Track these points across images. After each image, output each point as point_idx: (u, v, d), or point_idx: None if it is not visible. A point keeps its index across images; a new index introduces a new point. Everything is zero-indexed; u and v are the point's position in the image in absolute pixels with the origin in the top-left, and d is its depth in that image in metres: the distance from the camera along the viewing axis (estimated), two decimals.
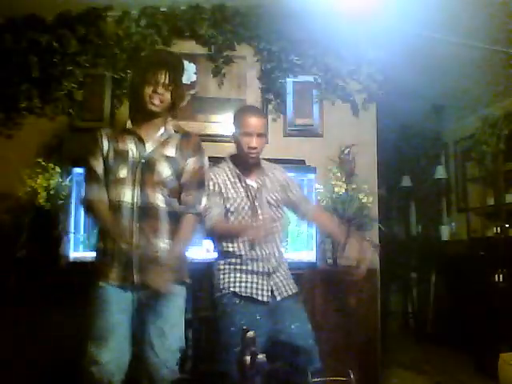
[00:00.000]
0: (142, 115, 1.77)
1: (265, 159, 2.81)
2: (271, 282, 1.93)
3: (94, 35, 2.79)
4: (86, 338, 1.65)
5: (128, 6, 2.82)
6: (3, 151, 2.69)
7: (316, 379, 1.71)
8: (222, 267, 1.97)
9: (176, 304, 1.76)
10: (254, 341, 1.37)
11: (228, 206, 1.94)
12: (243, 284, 1.90)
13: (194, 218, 1.79)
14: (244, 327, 1.59)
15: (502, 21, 2.75)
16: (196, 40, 2.93)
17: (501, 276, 3.17)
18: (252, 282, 1.91)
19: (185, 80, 2.91)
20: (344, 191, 2.67)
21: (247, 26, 2.93)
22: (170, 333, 1.70)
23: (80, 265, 2.41)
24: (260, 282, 1.91)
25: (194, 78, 2.93)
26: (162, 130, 1.79)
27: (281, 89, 2.96)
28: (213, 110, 2.92)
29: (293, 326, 1.87)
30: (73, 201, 2.55)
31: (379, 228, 2.90)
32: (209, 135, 2.88)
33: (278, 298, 1.92)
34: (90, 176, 1.75)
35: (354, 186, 2.71)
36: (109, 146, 1.75)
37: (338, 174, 2.76)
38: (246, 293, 1.89)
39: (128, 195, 1.69)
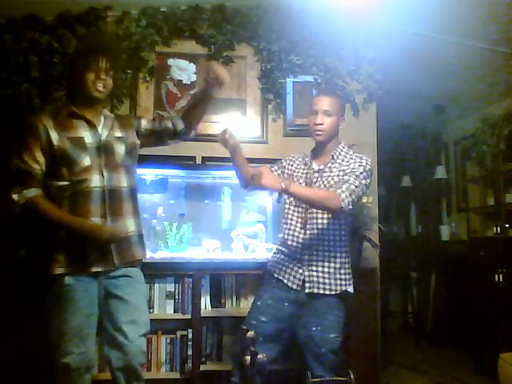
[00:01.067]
0: (86, 101, 1.79)
1: (265, 159, 2.83)
2: (306, 272, 1.88)
3: (94, 35, 2.78)
4: (58, 333, 1.69)
5: (128, 6, 2.82)
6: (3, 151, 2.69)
7: (316, 379, 1.71)
8: (276, 247, 2.05)
9: (139, 289, 1.84)
10: (254, 341, 1.37)
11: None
12: (279, 266, 1.95)
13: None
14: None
15: (502, 21, 2.75)
16: (196, 40, 2.93)
17: (501, 276, 3.16)
18: (287, 267, 1.92)
19: (185, 80, 2.93)
20: None
21: (247, 26, 2.93)
22: (139, 318, 1.78)
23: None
24: (295, 268, 1.91)
25: (193, 78, 2.93)
26: (102, 116, 1.84)
27: (281, 89, 2.96)
28: (213, 110, 2.91)
29: (313, 328, 1.84)
30: None
31: (379, 228, 2.90)
32: (209, 135, 2.88)
33: (307, 291, 1.86)
34: (28, 177, 1.70)
35: None
36: (58, 135, 1.71)
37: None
38: (278, 275, 1.93)
39: (96, 180, 1.72)
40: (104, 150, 1.77)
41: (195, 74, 2.93)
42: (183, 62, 2.91)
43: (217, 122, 2.92)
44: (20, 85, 2.71)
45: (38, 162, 1.70)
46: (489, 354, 2.78)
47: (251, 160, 2.82)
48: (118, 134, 1.84)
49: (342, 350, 1.89)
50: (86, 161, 1.72)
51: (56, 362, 1.68)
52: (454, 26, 2.84)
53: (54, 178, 1.72)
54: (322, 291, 1.86)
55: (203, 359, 2.50)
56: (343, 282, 1.90)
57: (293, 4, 2.87)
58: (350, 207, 1.80)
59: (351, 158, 1.98)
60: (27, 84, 2.71)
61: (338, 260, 1.90)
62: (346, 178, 1.86)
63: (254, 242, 2.67)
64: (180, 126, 1.95)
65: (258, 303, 1.93)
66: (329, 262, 1.89)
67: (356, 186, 1.83)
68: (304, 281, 1.87)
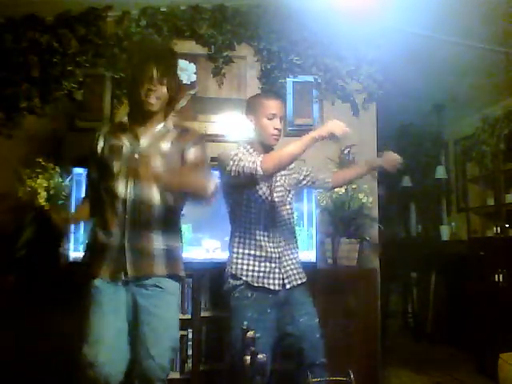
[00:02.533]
0: (141, 114, 1.74)
1: None
2: (282, 270, 1.89)
3: (94, 35, 2.78)
4: (81, 339, 1.63)
5: (128, 6, 2.82)
6: (3, 151, 2.70)
7: (316, 379, 1.71)
8: (236, 251, 1.93)
9: (170, 303, 1.74)
10: (254, 340, 1.37)
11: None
12: (256, 274, 1.87)
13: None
14: (244, 327, 1.61)
15: (502, 21, 2.75)
16: (196, 40, 2.93)
17: (501, 276, 3.16)
18: (265, 271, 1.87)
19: (185, 80, 2.92)
20: (344, 191, 2.67)
21: (247, 26, 2.93)
22: (165, 333, 1.68)
23: (80, 265, 2.41)
24: (271, 269, 1.88)
25: (193, 77, 2.93)
26: (160, 125, 1.77)
27: (281, 89, 2.96)
28: (213, 110, 2.92)
29: (301, 320, 1.87)
30: (73, 201, 2.56)
31: (379, 228, 2.90)
32: (209, 135, 2.88)
33: (288, 287, 1.88)
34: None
35: (354, 186, 2.71)
36: (104, 144, 1.76)
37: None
38: (257, 282, 1.86)
39: (121, 188, 1.68)
40: (138, 160, 1.69)
41: (195, 73, 2.93)
42: (183, 62, 2.91)
43: (217, 122, 2.92)
44: (20, 85, 2.71)
45: None
46: (489, 354, 2.78)
47: None
48: (165, 147, 1.72)
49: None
50: (116, 168, 1.69)
51: (80, 370, 1.62)
52: (454, 26, 2.84)
53: (92, 182, 1.80)
54: (299, 281, 1.94)
55: (203, 359, 2.50)
56: (302, 269, 2.00)
57: (293, 4, 2.87)
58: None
59: None
60: (27, 84, 2.72)
61: (296, 247, 2.02)
62: (308, 170, 2.11)
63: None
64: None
65: (245, 323, 1.75)
66: (292, 252, 1.97)
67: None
68: (283, 279, 1.89)
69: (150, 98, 1.68)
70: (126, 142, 1.73)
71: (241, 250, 1.92)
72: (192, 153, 1.76)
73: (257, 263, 1.89)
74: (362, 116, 3.04)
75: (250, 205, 1.93)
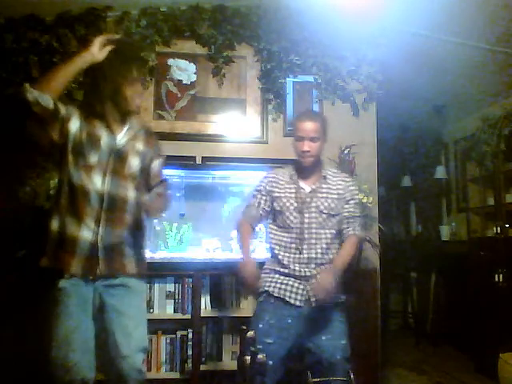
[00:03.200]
0: (120, 112, 1.74)
1: (265, 159, 2.84)
2: (308, 287, 1.88)
3: (94, 35, 2.77)
4: (49, 341, 1.61)
5: (128, 6, 2.82)
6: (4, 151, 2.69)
7: (316, 379, 1.71)
8: (265, 266, 2.01)
9: (138, 302, 1.75)
10: (254, 341, 1.37)
11: (275, 204, 1.98)
12: (278, 285, 1.91)
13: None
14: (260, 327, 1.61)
15: (502, 21, 2.75)
16: (196, 40, 2.93)
17: (501, 276, 3.16)
18: (287, 285, 1.90)
19: (185, 80, 2.93)
20: None
21: (247, 26, 2.93)
22: (135, 331, 1.67)
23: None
24: (296, 285, 1.90)
25: (193, 77, 2.93)
26: (128, 125, 1.78)
27: (281, 89, 2.96)
28: (213, 110, 2.92)
29: (323, 338, 1.84)
30: None
31: (379, 228, 2.90)
32: (209, 135, 2.89)
33: (314, 305, 1.86)
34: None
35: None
36: (80, 125, 1.69)
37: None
38: (278, 294, 1.89)
39: (97, 183, 1.66)
40: (116, 156, 1.70)
41: (195, 74, 2.93)
42: (183, 62, 2.92)
43: (217, 122, 2.92)
44: (20, 85, 2.71)
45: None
46: (489, 354, 2.78)
47: (251, 160, 2.85)
48: (139, 147, 1.77)
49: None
50: (94, 158, 1.67)
51: (51, 373, 1.60)
52: (454, 26, 2.84)
53: (59, 166, 1.72)
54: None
55: (203, 359, 2.50)
56: (340, 290, 1.91)
57: (293, 4, 2.87)
58: (360, 231, 2.03)
59: (341, 179, 2.06)
60: (27, 84, 2.71)
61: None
62: (347, 209, 1.99)
63: (254, 241, 2.67)
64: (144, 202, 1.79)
65: (260, 326, 1.84)
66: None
67: (359, 216, 2.04)
68: (309, 296, 1.87)
69: (137, 101, 1.73)
70: (104, 134, 1.71)
71: (269, 265, 2.00)
72: (157, 166, 1.85)
73: (282, 277, 1.93)
74: (362, 116, 3.04)
75: (278, 224, 1.99)
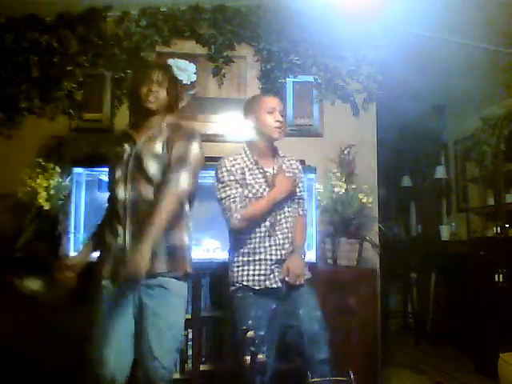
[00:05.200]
0: (141, 115, 1.83)
1: None
2: (281, 269, 1.93)
3: (94, 35, 2.79)
4: (88, 338, 1.66)
5: (128, 6, 2.82)
6: (3, 151, 2.70)
7: (316, 379, 1.71)
8: (235, 260, 1.99)
9: (175, 303, 1.74)
10: (254, 340, 1.37)
11: (246, 192, 1.95)
12: (256, 277, 1.92)
13: (176, 194, 1.70)
14: (245, 327, 1.62)
15: (502, 21, 2.75)
16: (196, 40, 2.92)
17: (501, 276, 3.16)
18: (265, 274, 1.91)
19: (185, 80, 2.92)
20: (344, 191, 2.67)
21: (247, 26, 2.93)
22: (168, 333, 1.69)
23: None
24: (271, 269, 1.92)
25: (193, 78, 2.92)
26: (158, 126, 1.81)
27: (281, 89, 2.96)
28: (213, 110, 2.92)
29: (301, 311, 1.90)
30: (73, 201, 2.55)
31: (379, 228, 2.90)
32: (209, 135, 2.88)
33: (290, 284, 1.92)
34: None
35: (353, 186, 2.71)
36: (109, 155, 1.85)
37: (338, 174, 2.76)
38: (259, 285, 1.91)
39: (121, 191, 1.74)
40: (133, 163, 1.75)
41: (195, 74, 2.93)
42: (183, 62, 2.89)
43: (217, 122, 2.92)
44: (20, 85, 2.71)
45: None
46: (489, 354, 2.78)
47: None
48: (157, 149, 1.75)
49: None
50: (118, 173, 1.76)
51: (86, 369, 1.65)
52: (454, 26, 2.84)
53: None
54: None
55: (203, 359, 2.50)
56: (308, 271, 2.03)
57: (293, 4, 2.87)
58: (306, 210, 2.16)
59: (292, 160, 2.13)
60: (27, 84, 2.72)
61: (302, 248, 2.07)
62: (299, 189, 2.09)
63: None
64: None
65: (250, 322, 1.83)
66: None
67: (303, 196, 2.15)
68: (283, 277, 1.92)
69: (149, 97, 1.78)
70: (126, 147, 1.79)
71: (240, 258, 1.96)
72: (177, 148, 1.75)
73: (257, 267, 1.93)
74: (362, 116, 3.04)
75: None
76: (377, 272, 2.74)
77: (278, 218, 1.97)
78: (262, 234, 1.94)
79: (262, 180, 1.97)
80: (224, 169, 1.97)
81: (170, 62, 2.90)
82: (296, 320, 1.90)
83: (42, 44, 2.73)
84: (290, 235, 1.99)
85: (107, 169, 1.85)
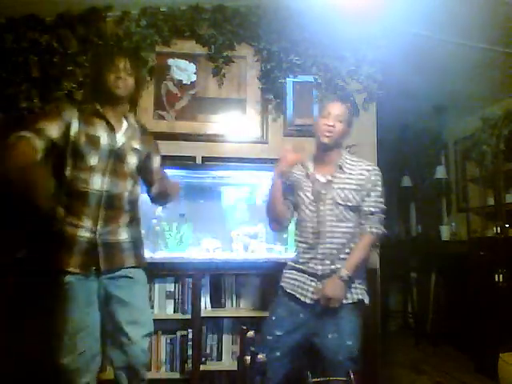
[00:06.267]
0: (107, 100, 1.81)
1: (265, 159, 2.83)
2: (320, 285, 1.85)
3: (94, 35, 2.78)
4: (58, 334, 1.68)
5: (128, 6, 2.82)
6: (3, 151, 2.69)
7: (316, 379, 1.71)
8: (288, 262, 2.03)
9: (141, 291, 1.85)
10: (254, 341, 1.37)
11: (294, 198, 2.00)
12: (291, 282, 1.93)
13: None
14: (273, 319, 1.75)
15: (502, 21, 2.75)
16: (196, 40, 2.92)
17: (501, 276, 3.16)
18: (299, 281, 1.91)
19: (185, 80, 2.93)
20: None
21: (247, 26, 2.93)
22: (140, 318, 1.78)
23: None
24: (308, 282, 1.88)
25: (193, 78, 2.93)
26: (126, 123, 1.86)
27: (281, 89, 2.96)
28: (213, 110, 2.92)
29: (329, 336, 1.82)
30: None
31: None
32: (209, 135, 2.88)
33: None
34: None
35: None
36: (78, 128, 1.73)
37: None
38: (291, 290, 1.92)
39: (97, 182, 1.72)
40: (116, 155, 1.78)
41: (195, 74, 2.93)
42: (183, 62, 2.91)
43: (217, 122, 2.92)
44: (20, 85, 2.71)
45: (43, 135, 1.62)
46: (489, 354, 2.78)
47: (251, 160, 2.85)
48: (136, 145, 1.86)
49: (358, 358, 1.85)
50: (94, 160, 1.72)
51: (57, 362, 1.68)
52: (454, 26, 2.84)
53: (58, 170, 1.72)
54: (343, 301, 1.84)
55: (203, 359, 2.50)
56: (358, 291, 1.89)
57: (293, 4, 2.87)
58: (383, 231, 1.94)
59: (363, 168, 1.94)
60: (27, 84, 2.71)
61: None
62: (367, 202, 1.91)
63: (254, 242, 2.67)
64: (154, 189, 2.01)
65: (273, 318, 1.90)
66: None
67: (381, 211, 1.94)
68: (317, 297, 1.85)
69: (117, 84, 1.77)
70: (102, 134, 1.77)
71: (290, 261, 2.02)
72: (157, 162, 1.98)
73: (295, 272, 1.94)
74: (362, 116, 3.04)
75: (300, 219, 1.98)
76: (377, 272, 2.74)
77: (322, 230, 1.88)
78: (305, 245, 1.93)
79: (308, 188, 1.94)
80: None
81: (170, 62, 2.92)
82: (321, 343, 1.83)
83: (42, 44, 2.72)
84: (335, 251, 1.87)
85: (74, 147, 1.70)
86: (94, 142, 1.73)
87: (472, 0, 2.60)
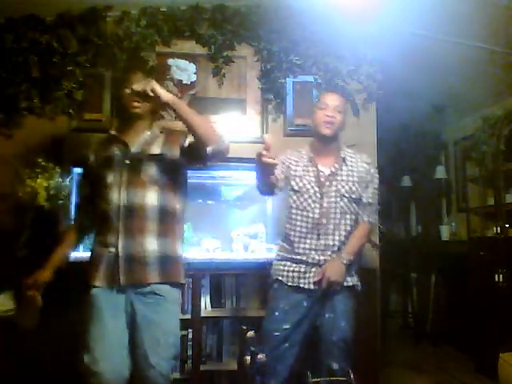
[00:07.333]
0: (127, 120, 1.80)
1: None
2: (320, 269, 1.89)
3: (94, 35, 2.78)
4: (81, 346, 1.64)
5: (128, 6, 2.82)
6: (3, 151, 2.69)
7: (316, 379, 1.71)
8: (277, 253, 2.02)
9: (169, 310, 1.72)
10: (254, 340, 1.37)
11: (293, 183, 1.95)
12: (291, 274, 1.92)
13: None
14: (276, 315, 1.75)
15: (502, 21, 2.75)
16: (196, 40, 2.92)
17: (501, 276, 3.16)
18: (299, 272, 1.90)
19: (185, 80, 2.92)
20: None
21: (247, 26, 2.93)
22: (164, 341, 1.66)
23: (80, 265, 2.40)
24: (308, 270, 1.90)
25: (193, 77, 2.93)
26: (147, 133, 1.81)
27: (281, 89, 2.95)
28: (213, 110, 2.92)
29: (326, 315, 1.87)
30: (73, 201, 2.56)
31: (379, 228, 2.89)
32: None
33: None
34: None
35: None
36: (95, 158, 1.81)
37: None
38: (292, 283, 1.91)
39: (114, 197, 1.70)
40: (129, 167, 1.73)
41: (195, 74, 2.93)
42: (183, 62, 2.91)
43: (217, 122, 2.91)
44: (20, 85, 2.71)
45: None
46: (489, 354, 2.78)
47: (251, 160, 2.83)
48: (156, 150, 1.75)
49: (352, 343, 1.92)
50: (109, 178, 1.72)
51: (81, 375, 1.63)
52: (455, 25, 2.84)
53: (86, 196, 1.86)
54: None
55: (203, 359, 2.50)
56: (354, 278, 1.96)
57: (293, 4, 2.87)
58: (375, 219, 2.00)
59: (363, 161, 2.02)
60: (27, 84, 2.71)
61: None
62: (366, 194, 1.96)
63: (254, 241, 2.67)
64: None
65: (276, 314, 1.89)
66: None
67: (376, 202, 1.98)
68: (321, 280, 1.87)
69: (133, 103, 1.73)
70: (116, 152, 1.76)
71: (281, 253, 1.99)
72: (187, 141, 1.80)
73: (294, 264, 1.93)
74: (362, 116, 3.04)
75: (297, 208, 1.95)
76: (377, 272, 2.74)
77: (325, 221, 1.90)
78: (303, 235, 1.92)
79: (312, 178, 1.95)
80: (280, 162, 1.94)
81: (170, 61, 2.92)
82: (320, 324, 1.89)
83: (42, 44, 2.72)
84: (337, 243, 1.91)
85: (93, 174, 1.80)
86: (108, 161, 1.75)
87: (472, 0, 2.60)
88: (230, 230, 2.74)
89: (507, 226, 3.35)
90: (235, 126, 2.92)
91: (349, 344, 1.88)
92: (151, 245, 1.70)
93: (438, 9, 2.63)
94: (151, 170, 1.73)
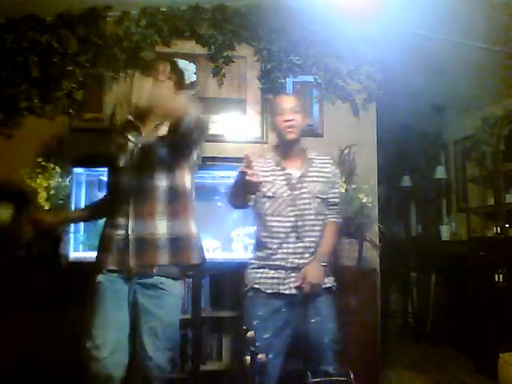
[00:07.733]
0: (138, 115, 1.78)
1: None
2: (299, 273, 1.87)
3: (94, 35, 2.78)
4: (84, 335, 1.65)
5: (128, 6, 2.82)
6: (3, 151, 2.69)
7: (316, 379, 1.71)
8: (252, 261, 1.97)
9: (171, 304, 1.72)
10: (254, 341, 1.37)
11: (265, 190, 1.90)
12: (269, 281, 1.88)
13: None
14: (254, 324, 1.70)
15: (502, 21, 2.75)
16: (196, 40, 2.92)
17: (501, 276, 3.16)
18: (279, 278, 1.88)
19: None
20: (344, 191, 2.67)
21: (247, 26, 2.93)
22: (163, 333, 1.67)
23: (80, 265, 2.41)
24: (287, 275, 1.87)
25: (193, 77, 2.92)
26: (158, 121, 1.79)
27: (281, 89, 2.96)
28: (213, 110, 2.92)
29: (312, 320, 1.86)
30: (73, 201, 2.56)
31: (379, 228, 2.90)
32: (209, 135, 2.87)
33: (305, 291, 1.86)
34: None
35: (354, 186, 2.71)
36: (112, 145, 1.81)
37: (338, 174, 2.76)
38: (272, 289, 1.87)
39: (124, 180, 1.71)
40: (138, 150, 1.73)
41: (195, 74, 2.92)
42: (183, 62, 2.90)
43: (217, 122, 2.91)
44: (20, 85, 2.71)
45: None
46: (489, 354, 2.78)
47: None
48: (163, 132, 1.73)
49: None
50: (122, 163, 1.73)
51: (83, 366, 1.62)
52: (455, 25, 2.84)
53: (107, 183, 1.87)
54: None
55: (203, 359, 2.50)
56: (331, 279, 1.96)
57: (292, 4, 2.87)
58: (340, 219, 2.07)
59: (326, 162, 2.04)
60: (27, 84, 2.72)
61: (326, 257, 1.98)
62: (332, 194, 2.00)
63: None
64: None
65: (255, 323, 1.83)
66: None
67: (339, 201, 2.06)
68: (299, 285, 1.86)
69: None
70: (130, 138, 1.77)
71: (257, 261, 1.94)
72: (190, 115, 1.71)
73: (272, 271, 1.89)
74: (362, 116, 3.04)
75: (272, 214, 1.91)
76: (377, 272, 2.74)
77: (301, 224, 1.89)
78: (281, 241, 1.89)
79: (283, 182, 1.93)
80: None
81: None
82: (306, 330, 1.87)
83: (42, 44, 2.72)
84: (313, 244, 1.91)
85: (109, 163, 1.80)
86: (122, 146, 1.76)
87: (472, 0, 2.60)
88: (230, 230, 2.74)
89: (507, 225, 3.35)
90: (235, 126, 2.92)
91: (337, 343, 1.89)
92: (161, 226, 1.69)
93: (438, 9, 2.63)
94: (161, 152, 1.72)
